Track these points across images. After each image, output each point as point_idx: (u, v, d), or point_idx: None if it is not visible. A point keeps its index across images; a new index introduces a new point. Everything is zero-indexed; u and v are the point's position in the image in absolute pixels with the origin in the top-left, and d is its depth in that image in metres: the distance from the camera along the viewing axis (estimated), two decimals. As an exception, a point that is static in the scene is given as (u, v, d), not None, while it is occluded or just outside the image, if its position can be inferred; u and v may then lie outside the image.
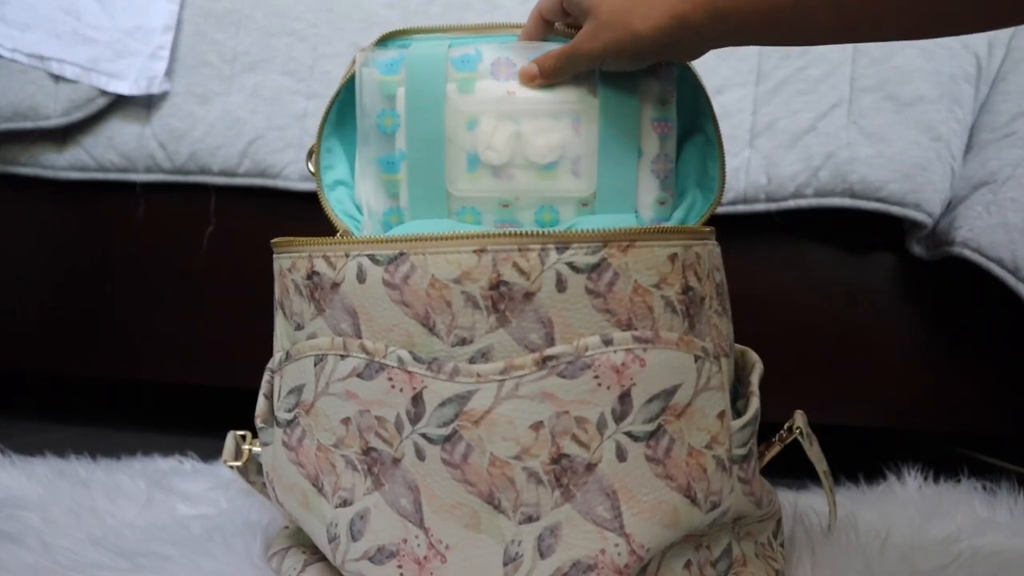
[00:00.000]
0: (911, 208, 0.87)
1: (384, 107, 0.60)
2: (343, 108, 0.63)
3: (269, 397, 0.58)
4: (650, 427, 0.49)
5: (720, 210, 0.93)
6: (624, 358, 0.48)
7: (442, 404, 0.49)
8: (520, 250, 0.48)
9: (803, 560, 0.59)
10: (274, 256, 0.57)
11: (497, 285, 0.48)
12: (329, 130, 0.64)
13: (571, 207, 0.59)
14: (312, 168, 0.64)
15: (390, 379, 0.50)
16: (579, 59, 0.55)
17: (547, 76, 0.57)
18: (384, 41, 0.61)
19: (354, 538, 0.51)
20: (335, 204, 0.64)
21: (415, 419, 0.49)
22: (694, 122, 0.63)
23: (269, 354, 0.63)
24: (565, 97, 0.58)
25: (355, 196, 0.64)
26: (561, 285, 0.48)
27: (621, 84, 0.58)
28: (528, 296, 0.48)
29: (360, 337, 0.51)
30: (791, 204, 0.91)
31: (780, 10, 0.48)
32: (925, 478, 0.86)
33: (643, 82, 0.58)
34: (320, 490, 0.54)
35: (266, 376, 0.59)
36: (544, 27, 0.59)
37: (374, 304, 0.50)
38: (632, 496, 0.48)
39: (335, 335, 0.52)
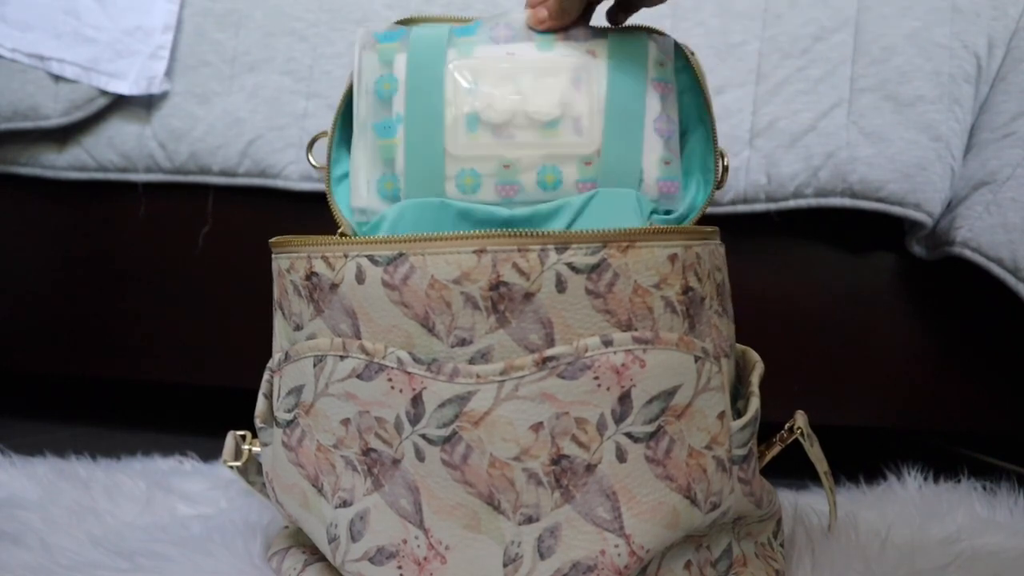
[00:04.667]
0: (911, 208, 0.88)
1: (382, 73, 0.59)
2: (352, 103, 0.63)
3: (269, 397, 0.58)
4: (650, 428, 0.49)
5: (720, 210, 0.93)
6: (624, 359, 0.48)
7: (442, 405, 0.49)
8: (520, 251, 0.48)
9: (803, 560, 0.59)
10: (273, 256, 0.57)
11: (497, 286, 0.48)
12: (341, 121, 0.64)
13: (574, 166, 0.57)
14: (314, 160, 0.64)
15: (389, 380, 0.50)
16: None
17: (555, 17, 0.58)
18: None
19: (354, 539, 0.51)
20: (340, 200, 0.63)
21: (415, 420, 0.49)
22: (699, 115, 0.63)
23: (269, 354, 0.63)
24: (565, 57, 0.58)
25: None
26: (561, 286, 0.48)
27: (624, 44, 0.58)
28: (528, 297, 0.48)
29: (359, 338, 0.51)
30: (791, 204, 0.91)
31: None
32: (925, 478, 0.86)
33: (643, 46, 0.59)
34: (320, 490, 0.54)
35: (266, 376, 0.58)
36: None
37: (373, 305, 0.50)
38: (632, 497, 0.48)
39: (334, 336, 0.52)
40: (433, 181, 0.58)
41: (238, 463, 0.62)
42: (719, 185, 0.61)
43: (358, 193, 0.60)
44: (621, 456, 0.48)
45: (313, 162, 0.64)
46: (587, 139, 0.57)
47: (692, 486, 0.49)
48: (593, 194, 0.57)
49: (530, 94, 0.57)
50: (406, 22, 0.62)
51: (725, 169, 0.61)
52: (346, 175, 0.64)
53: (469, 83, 0.58)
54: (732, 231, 0.92)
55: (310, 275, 0.53)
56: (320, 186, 0.99)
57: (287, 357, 0.55)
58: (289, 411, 0.55)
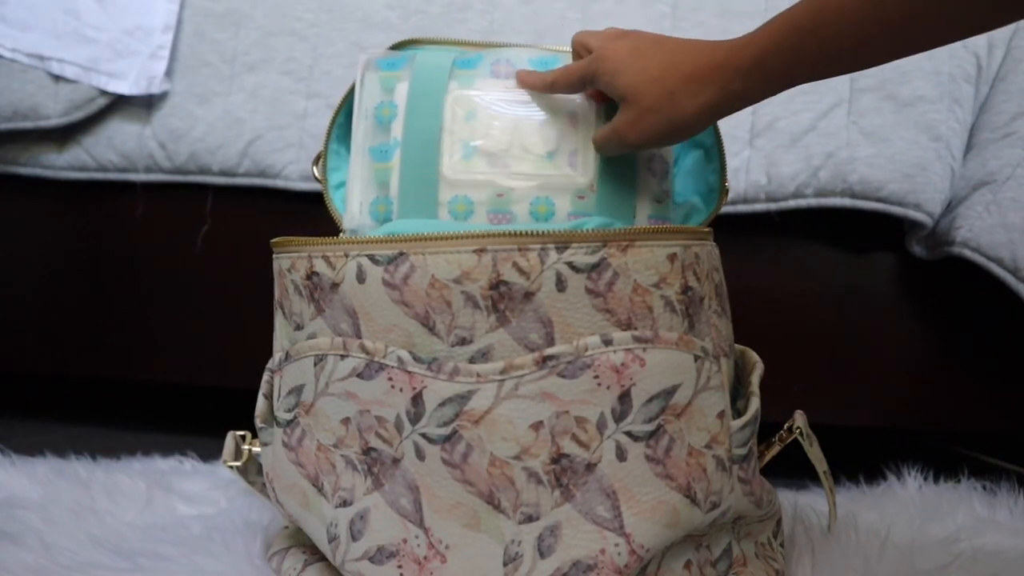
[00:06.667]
0: (911, 208, 0.87)
1: (382, 99, 0.60)
2: (351, 113, 0.64)
3: (269, 397, 0.58)
4: (650, 427, 0.49)
5: (720, 210, 0.93)
6: (624, 358, 0.48)
7: (442, 404, 0.49)
8: (520, 250, 0.48)
9: (803, 560, 0.59)
10: (273, 256, 0.57)
11: (497, 285, 0.48)
12: (337, 132, 0.64)
13: (567, 198, 0.58)
14: (318, 173, 0.64)
15: (390, 379, 0.50)
16: (623, 145, 0.56)
17: (600, 149, 0.58)
18: (394, 48, 0.63)
19: (354, 538, 0.51)
20: (340, 204, 0.64)
21: (415, 419, 0.49)
22: (692, 140, 0.64)
23: (269, 354, 0.63)
24: (562, 95, 0.59)
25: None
26: (561, 285, 0.48)
27: None
28: (528, 296, 0.48)
29: (360, 337, 0.51)
30: (791, 204, 0.91)
31: (837, 48, 0.48)
32: (925, 478, 0.86)
33: None
34: (320, 490, 0.54)
35: (266, 376, 0.59)
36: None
37: (374, 304, 0.50)
38: (632, 496, 0.48)
39: (335, 335, 0.52)
40: (426, 205, 0.58)
41: (238, 463, 0.63)
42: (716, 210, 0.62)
43: (351, 214, 0.60)
44: (621, 455, 0.48)
45: (317, 175, 0.65)
46: (582, 172, 0.58)
47: (692, 485, 0.49)
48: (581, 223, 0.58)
49: (527, 127, 0.58)
50: (407, 43, 0.63)
51: (725, 192, 0.63)
52: (343, 184, 0.64)
53: (468, 112, 0.58)
54: (732, 231, 0.92)
55: (311, 274, 0.53)
56: (320, 186, 0.99)
57: (287, 357, 0.55)
58: (289, 411, 0.55)
